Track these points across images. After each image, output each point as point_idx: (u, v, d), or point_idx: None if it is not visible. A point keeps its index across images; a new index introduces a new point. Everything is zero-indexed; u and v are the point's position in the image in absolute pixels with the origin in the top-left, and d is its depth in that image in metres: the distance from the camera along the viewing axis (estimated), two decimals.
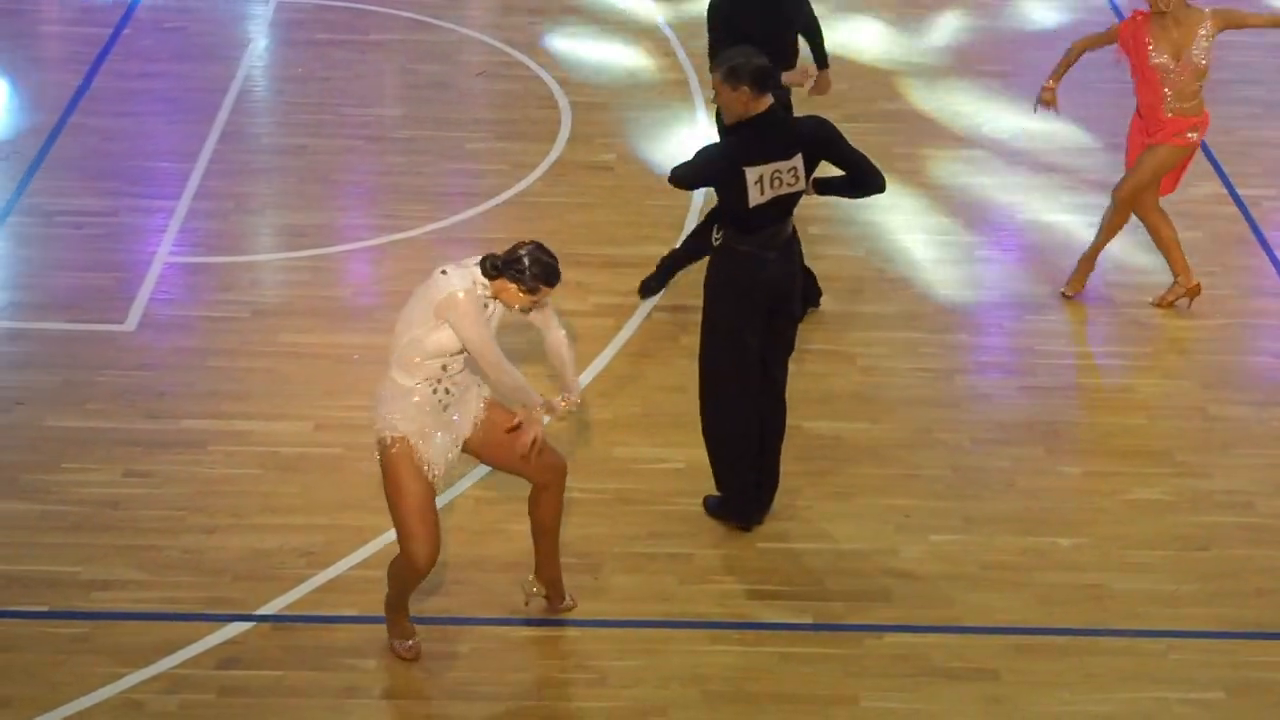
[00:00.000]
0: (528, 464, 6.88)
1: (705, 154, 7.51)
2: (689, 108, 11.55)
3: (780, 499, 8.00)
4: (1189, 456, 8.45)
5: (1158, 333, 9.43)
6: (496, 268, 6.56)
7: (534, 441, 6.75)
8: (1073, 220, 10.42)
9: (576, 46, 12.25)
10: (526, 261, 6.51)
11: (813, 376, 8.93)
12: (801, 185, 7.38)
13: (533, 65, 11.45)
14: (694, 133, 11.17)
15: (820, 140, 7.41)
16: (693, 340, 9.07)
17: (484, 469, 8.04)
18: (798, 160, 7.31)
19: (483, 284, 6.59)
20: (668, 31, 12.58)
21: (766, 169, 7.25)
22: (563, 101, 11.49)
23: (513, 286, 6.55)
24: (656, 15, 12.80)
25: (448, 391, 6.72)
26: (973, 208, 10.58)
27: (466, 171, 10.65)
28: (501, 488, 7.98)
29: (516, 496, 7.88)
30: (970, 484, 8.21)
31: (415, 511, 6.71)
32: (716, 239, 7.56)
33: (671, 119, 11.41)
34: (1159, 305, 9.56)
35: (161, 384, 8.67)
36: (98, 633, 7.13)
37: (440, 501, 7.84)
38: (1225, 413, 8.80)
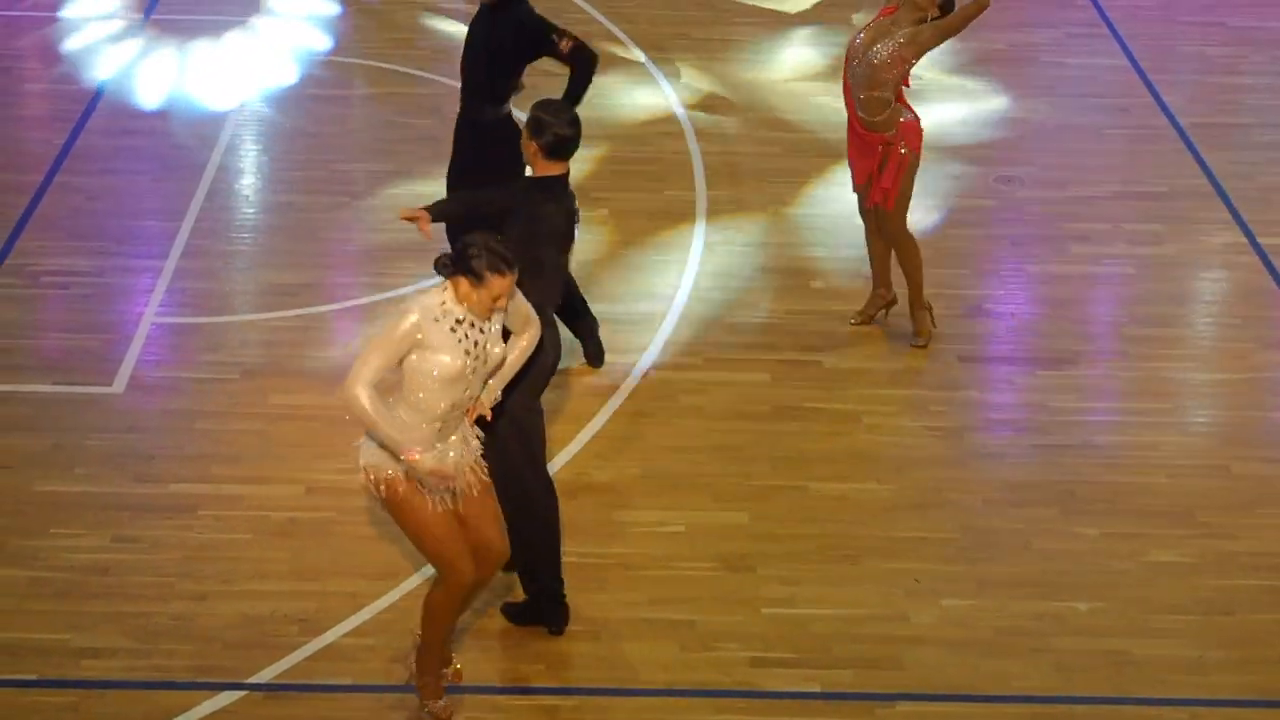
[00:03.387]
0: (479, 550, 6.67)
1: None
2: (684, 157, 11.38)
3: (787, 563, 7.83)
4: (1212, 516, 8.25)
5: (1177, 387, 9.25)
6: (447, 265, 6.35)
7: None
8: (1083, 271, 10.23)
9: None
10: (473, 250, 6.29)
11: (818, 436, 8.74)
12: None
13: (522, 118, 11.28)
14: (687, 182, 10.98)
15: None
16: (692, 400, 8.93)
17: None
18: None
19: (450, 302, 6.37)
20: (661, 80, 12.45)
21: None
22: None
23: (466, 283, 6.32)
24: (650, 65, 12.68)
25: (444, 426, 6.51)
26: (980, 259, 10.40)
27: None
28: None
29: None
30: (983, 546, 8.01)
31: (444, 539, 6.58)
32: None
33: (665, 172, 11.23)
34: (861, 322, 9.56)
35: (150, 447, 8.49)
36: (87, 702, 6.99)
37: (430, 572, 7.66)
38: (1249, 470, 8.60)
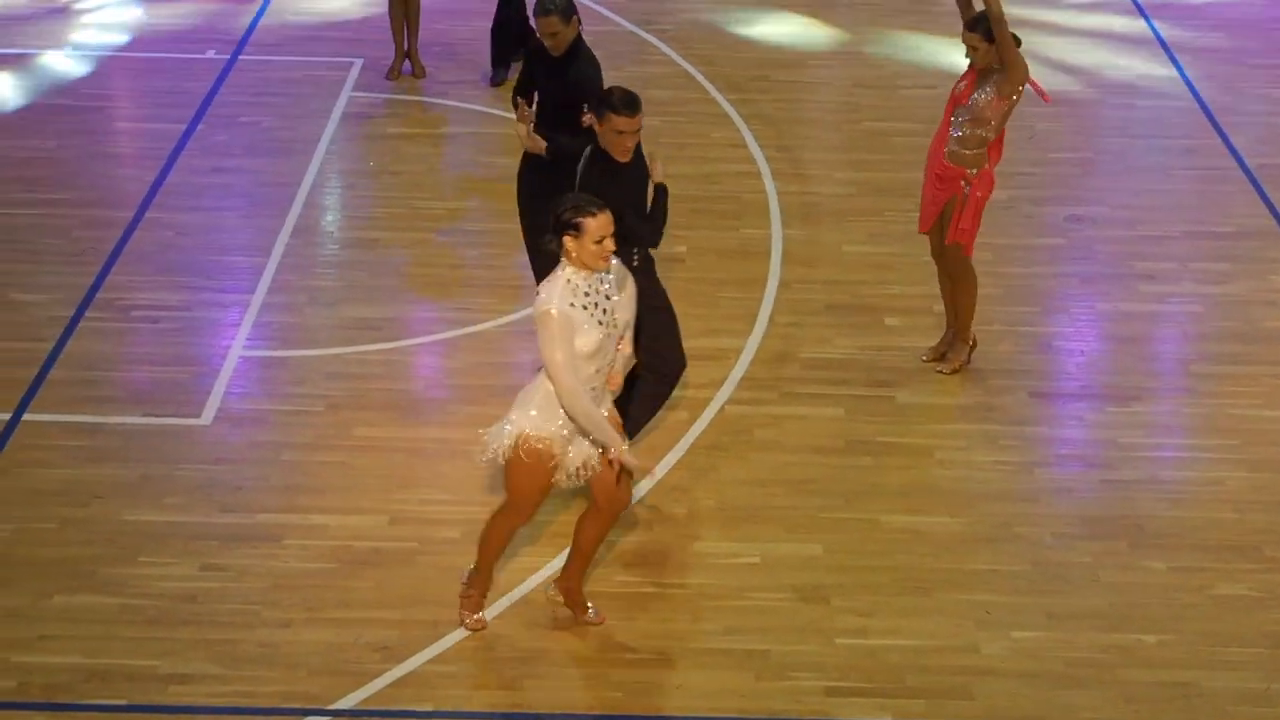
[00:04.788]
0: (601, 482, 7.21)
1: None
2: (760, 196, 11.54)
3: (860, 594, 7.94)
4: (1279, 551, 8.30)
5: (1245, 424, 9.28)
6: (552, 237, 6.89)
7: (619, 478, 7.22)
8: (1151, 309, 10.32)
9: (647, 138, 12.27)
10: (561, 210, 6.88)
11: (890, 470, 8.85)
12: None
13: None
14: (763, 220, 11.16)
15: None
16: (766, 434, 9.06)
17: (559, 561, 8.01)
18: None
19: (572, 275, 6.91)
20: (738, 121, 12.61)
21: None
22: None
23: (570, 241, 6.87)
24: (727, 106, 12.84)
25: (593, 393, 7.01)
26: (1050, 296, 10.49)
27: None
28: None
29: (592, 592, 7.85)
30: (1052, 579, 8.09)
31: (535, 498, 7.25)
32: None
33: (742, 210, 11.40)
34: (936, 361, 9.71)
35: (237, 478, 8.67)
36: None
37: (516, 595, 7.84)
38: None
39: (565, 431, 7.06)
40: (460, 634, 7.62)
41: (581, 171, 8.07)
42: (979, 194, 9.21)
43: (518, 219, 9.28)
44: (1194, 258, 10.88)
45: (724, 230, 11.13)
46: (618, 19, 14.37)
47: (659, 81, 13.16)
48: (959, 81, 9.25)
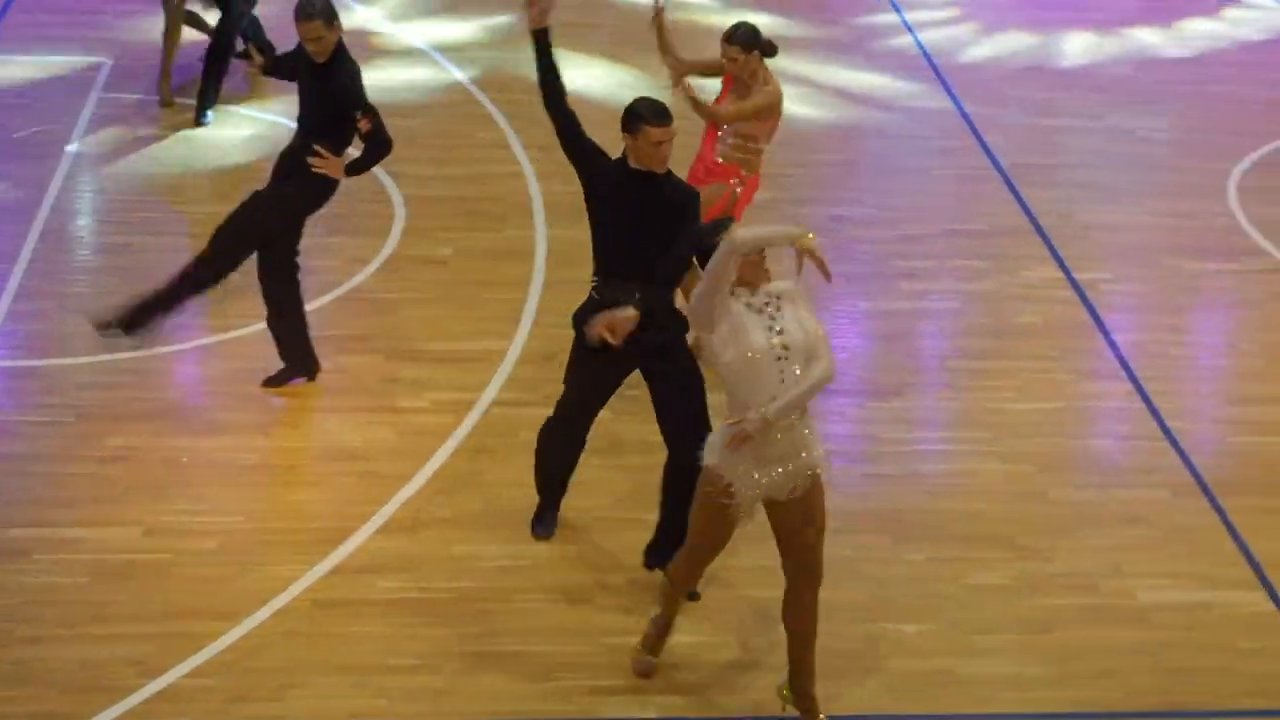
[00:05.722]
0: (793, 549, 6.90)
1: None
2: (524, 197, 11.50)
3: (627, 593, 7.92)
4: (1030, 540, 8.47)
5: (998, 417, 9.47)
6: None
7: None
8: (911, 306, 10.48)
9: (412, 140, 12.16)
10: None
11: (657, 468, 8.82)
12: None
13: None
14: (528, 221, 11.12)
15: None
16: (532, 435, 8.98)
17: (321, 570, 7.87)
18: None
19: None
20: (502, 121, 12.56)
21: None
22: (396, 196, 11.38)
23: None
24: (491, 107, 12.79)
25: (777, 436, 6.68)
26: (813, 295, 10.55)
27: None
28: (338, 589, 7.79)
29: (354, 599, 7.74)
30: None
31: (718, 546, 7.07)
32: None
33: (507, 211, 11.35)
34: None
35: None
36: None
37: (276, 605, 7.70)
38: (1065, 496, 8.85)
39: (755, 472, 6.73)
40: (219, 646, 7.46)
41: (602, 156, 7.63)
42: (745, 197, 9.32)
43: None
44: (951, 255, 11.09)
45: (489, 231, 11.08)
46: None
47: (422, 84, 13.06)
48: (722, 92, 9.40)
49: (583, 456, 8.85)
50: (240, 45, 12.33)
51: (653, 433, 9.02)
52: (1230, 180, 12.40)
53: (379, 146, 8.72)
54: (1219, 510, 8.76)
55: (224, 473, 8.62)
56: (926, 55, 14.25)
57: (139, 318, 8.90)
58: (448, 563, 8.12)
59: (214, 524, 8.22)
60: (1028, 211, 11.67)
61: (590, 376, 7.80)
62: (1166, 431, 9.40)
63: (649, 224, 7.46)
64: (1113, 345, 10.17)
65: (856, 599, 8.00)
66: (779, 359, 6.64)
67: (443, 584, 7.96)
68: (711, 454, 6.80)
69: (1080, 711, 7.40)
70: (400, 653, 7.51)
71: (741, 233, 6.54)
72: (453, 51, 13.75)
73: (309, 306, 9.31)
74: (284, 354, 9.26)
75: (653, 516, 8.45)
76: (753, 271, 6.67)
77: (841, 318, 10.38)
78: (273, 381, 9.27)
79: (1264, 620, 8.02)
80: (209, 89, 12.29)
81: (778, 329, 6.66)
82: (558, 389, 9.38)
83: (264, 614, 7.67)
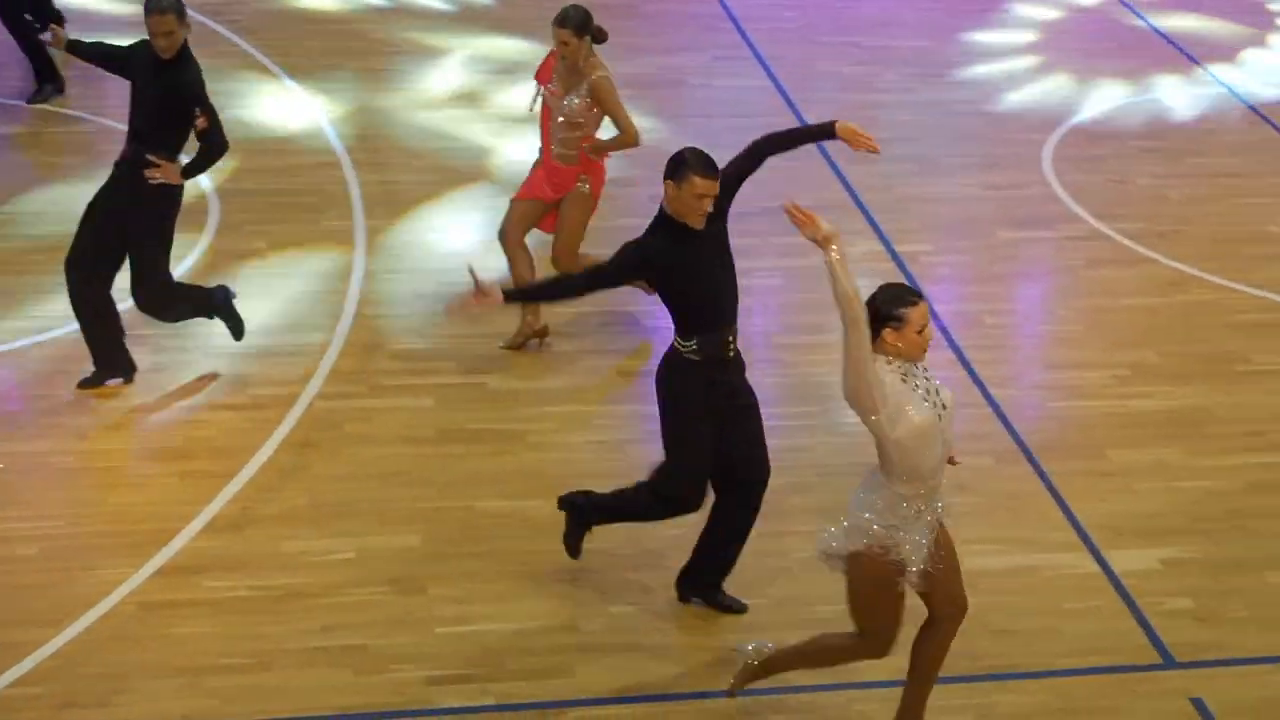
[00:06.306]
0: (945, 589, 6.62)
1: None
2: (341, 188, 11.38)
3: (458, 582, 7.88)
4: None
5: (825, 390, 9.46)
6: (881, 317, 6.31)
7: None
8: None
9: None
10: (879, 298, 6.34)
11: (483, 456, 8.82)
12: None
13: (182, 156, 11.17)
14: (346, 212, 11.01)
15: None
16: (357, 427, 8.92)
17: (146, 571, 7.74)
18: None
19: (884, 362, 6.33)
20: (316, 110, 12.42)
21: None
22: (209, 190, 11.18)
23: (890, 334, 6.32)
24: (304, 96, 12.64)
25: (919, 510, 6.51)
26: None
27: None
28: (166, 590, 7.66)
29: (182, 600, 7.62)
30: (647, 553, 8.15)
31: (896, 621, 6.66)
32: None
33: (324, 202, 11.22)
34: (510, 348, 9.75)
35: None
36: None
37: (102, 609, 7.55)
38: None
39: (920, 537, 6.50)
40: (44, 653, 7.30)
41: (644, 249, 7.32)
42: (596, 190, 9.57)
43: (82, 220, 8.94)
44: (774, 232, 11.06)
45: (305, 223, 10.95)
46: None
47: (232, 74, 12.87)
48: (546, 85, 9.48)
49: (407, 448, 8.83)
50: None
51: (475, 421, 9.03)
52: (1045, 150, 12.62)
53: (216, 147, 8.72)
54: (1042, 475, 8.90)
55: (43, 477, 8.44)
56: (736, 23, 14.31)
57: None
58: (276, 559, 8.01)
59: (34, 530, 8.05)
60: (848, 187, 11.78)
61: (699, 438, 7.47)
62: (989, 399, 9.54)
63: (718, 270, 7.38)
64: (934, 315, 10.29)
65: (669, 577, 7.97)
66: (939, 419, 6.43)
67: (272, 581, 7.86)
68: (854, 538, 6.51)
69: (901, 680, 7.43)
70: (231, 652, 7.40)
71: (844, 289, 6.39)
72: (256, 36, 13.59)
73: (121, 306, 9.12)
74: (98, 355, 9.08)
75: (482, 502, 8.43)
76: (918, 347, 6.39)
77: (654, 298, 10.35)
78: (88, 383, 9.09)
79: (1088, 581, 8.17)
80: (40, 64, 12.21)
81: (931, 390, 6.44)
82: (381, 379, 9.36)
83: (90, 619, 7.52)
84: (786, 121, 12.71)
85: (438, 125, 12.45)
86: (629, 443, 9.01)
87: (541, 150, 9.68)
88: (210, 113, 8.64)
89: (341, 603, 7.75)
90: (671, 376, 7.45)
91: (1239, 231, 11.64)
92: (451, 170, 11.75)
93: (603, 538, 8.21)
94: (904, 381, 6.36)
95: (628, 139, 9.56)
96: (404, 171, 11.72)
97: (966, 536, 8.27)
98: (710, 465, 7.49)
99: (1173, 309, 10.57)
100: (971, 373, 9.78)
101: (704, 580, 7.77)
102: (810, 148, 12.19)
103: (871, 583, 6.51)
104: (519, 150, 11.53)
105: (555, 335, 9.83)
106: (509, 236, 9.70)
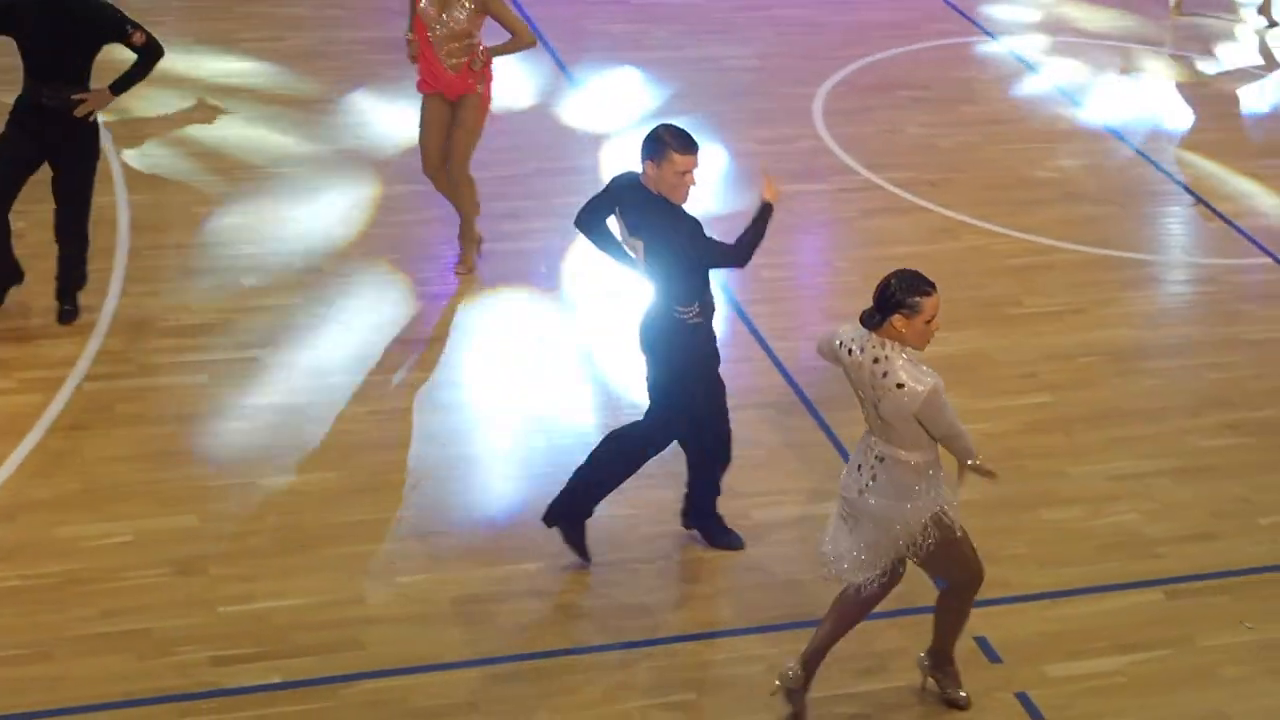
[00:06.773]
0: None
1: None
2: (102, 165, 11.07)
3: (241, 560, 7.75)
4: (645, 467, 8.33)
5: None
6: (884, 310, 6.45)
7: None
8: (517, 247, 10.46)
9: None
10: (895, 284, 6.44)
11: (262, 431, 8.66)
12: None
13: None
14: (107, 187, 10.75)
15: None
16: (130, 407, 8.70)
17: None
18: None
19: (899, 351, 6.49)
20: None
21: None
22: None
23: (900, 320, 6.43)
24: None
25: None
26: (412, 244, 10.49)
27: None
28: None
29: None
30: (432, 521, 8.08)
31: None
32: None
33: None
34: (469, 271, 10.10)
35: None
36: None
37: None
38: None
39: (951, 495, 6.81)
40: None
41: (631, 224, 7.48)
42: (487, 93, 9.78)
43: None
44: (550, 194, 11.10)
45: None
46: None
47: None
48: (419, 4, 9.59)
49: (183, 426, 8.64)
50: None
51: (251, 396, 8.85)
52: (815, 103, 12.73)
53: (154, 53, 9.00)
54: (824, 426, 8.98)
55: None
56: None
57: None
58: (51, 545, 7.79)
59: None
60: None
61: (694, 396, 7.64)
62: (769, 352, 9.60)
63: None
64: None
65: (477, 544, 7.95)
66: None
67: (47, 568, 7.65)
68: (930, 503, 6.72)
69: (698, 633, 7.51)
70: (6, 644, 7.19)
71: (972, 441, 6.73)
72: None
73: None
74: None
75: (262, 479, 8.29)
76: (924, 337, 6.57)
77: (443, 263, 10.28)
78: None
79: None
80: None
81: None
82: (152, 358, 9.14)
83: None
84: (559, 86, 12.66)
85: (201, 93, 12.17)
86: (408, 410, 8.91)
87: (427, 71, 9.73)
88: (138, 25, 8.90)
89: (121, 587, 7.57)
90: (679, 341, 7.47)
91: (1007, 177, 11.87)
92: (216, 142, 11.52)
93: (384, 508, 8.12)
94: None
95: (524, 39, 9.70)
96: (164, 146, 11.49)
97: (752, 489, 8.36)
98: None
99: (946, 255, 10.73)
100: (750, 325, 9.83)
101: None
102: (585, 111, 12.19)
103: (954, 540, 6.79)
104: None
105: (327, 307, 9.68)
106: (437, 174, 9.97)
